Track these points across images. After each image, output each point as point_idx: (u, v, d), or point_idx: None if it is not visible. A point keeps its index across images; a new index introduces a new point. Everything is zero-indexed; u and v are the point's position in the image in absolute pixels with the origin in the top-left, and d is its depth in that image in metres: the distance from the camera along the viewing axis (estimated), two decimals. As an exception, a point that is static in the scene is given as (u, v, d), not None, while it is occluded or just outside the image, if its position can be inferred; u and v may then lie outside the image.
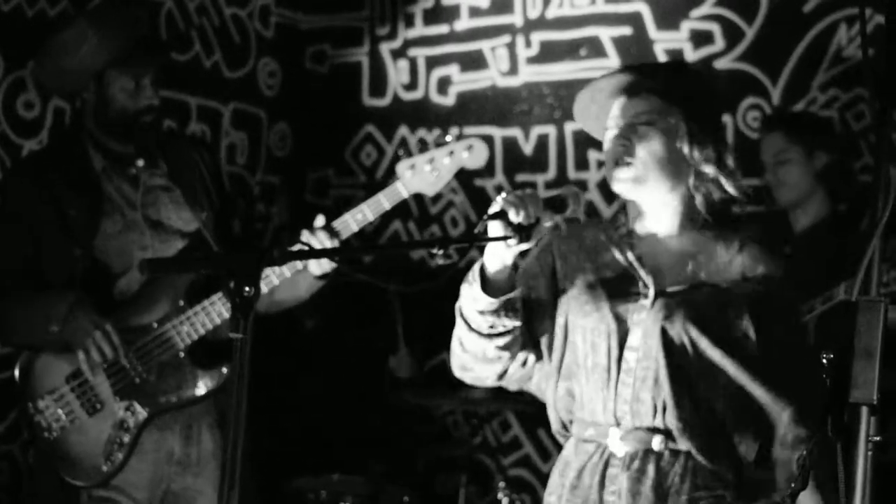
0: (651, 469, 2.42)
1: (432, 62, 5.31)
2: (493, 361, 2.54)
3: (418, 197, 5.28)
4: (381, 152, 5.44)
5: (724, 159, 2.50)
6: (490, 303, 2.43)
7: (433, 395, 4.73)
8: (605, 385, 2.47)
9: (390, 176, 5.37)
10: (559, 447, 2.64)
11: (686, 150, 2.48)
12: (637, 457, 2.44)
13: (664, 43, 4.79)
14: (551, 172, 5.04)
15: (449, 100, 5.28)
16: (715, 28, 4.68)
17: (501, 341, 2.49)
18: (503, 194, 2.37)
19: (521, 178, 5.10)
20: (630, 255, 2.54)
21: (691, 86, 2.57)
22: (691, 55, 4.72)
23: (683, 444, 2.40)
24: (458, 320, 2.52)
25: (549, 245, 2.63)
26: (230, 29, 5.25)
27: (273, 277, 3.33)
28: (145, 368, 3.41)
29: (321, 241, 3.24)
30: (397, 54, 5.40)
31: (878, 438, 1.84)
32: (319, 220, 3.30)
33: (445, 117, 5.28)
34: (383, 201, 3.34)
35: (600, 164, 4.91)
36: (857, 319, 1.82)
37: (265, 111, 5.43)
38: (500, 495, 4.37)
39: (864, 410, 1.84)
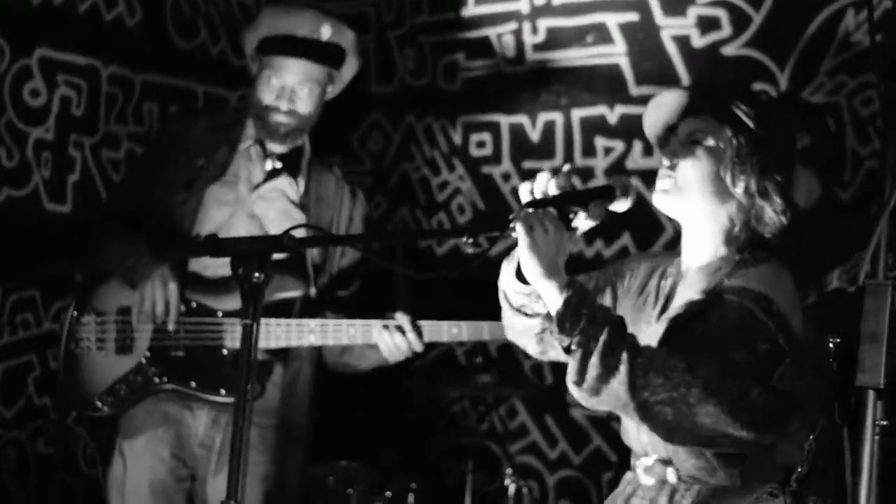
0: (664, 502, 2.42)
1: (439, 49, 5.31)
2: (522, 334, 2.57)
3: (425, 184, 5.31)
4: (388, 139, 5.44)
5: (769, 191, 2.43)
6: (522, 288, 2.45)
7: (440, 383, 4.74)
8: None
9: (398, 164, 5.39)
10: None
11: (728, 177, 2.44)
12: (655, 488, 2.45)
13: (671, 29, 4.78)
14: (558, 159, 5.03)
15: (456, 86, 5.28)
16: (722, 14, 4.67)
17: (531, 322, 2.52)
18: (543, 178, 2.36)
19: (527, 164, 5.10)
20: (662, 284, 2.56)
21: (749, 112, 2.48)
22: (698, 41, 4.71)
23: (688, 473, 2.40)
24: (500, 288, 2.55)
25: (614, 266, 2.68)
26: (236, 16, 5.24)
27: (343, 337, 3.40)
28: (185, 343, 3.43)
29: (413, 342, 3.37)
30: (404, 41, 5.40)
31: (885, 422, 1.84)
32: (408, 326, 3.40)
33: (452, 104, 5.28)
34: (484, 332, 3.40)
35: (607, 151, 4.91)
36: (864, 303, 1.82)
37: (272, 98, 5.43)
38: (507, 482, 4.38)
39: (871, 394, 1.84)
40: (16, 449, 4.44)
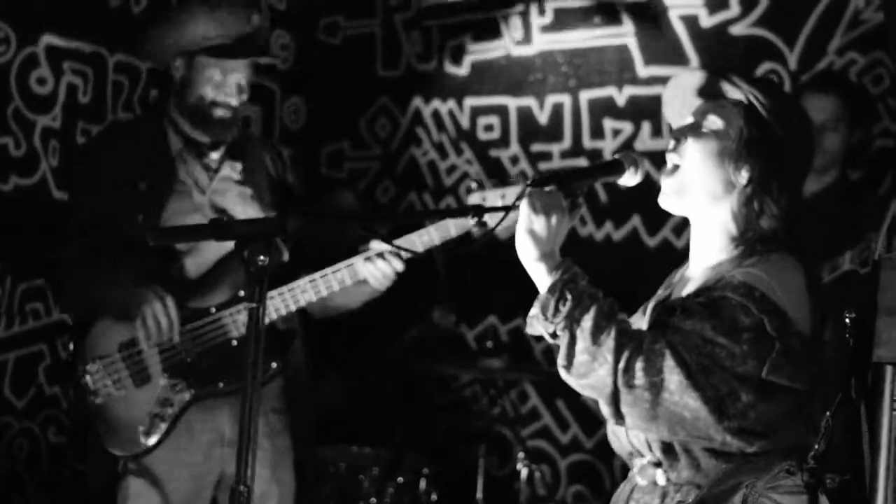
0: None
1: (446, 32, 5.29)
2: None
3: (433, 168, 5.30)
4: (395, 124, 5.42)
5: (772, 186, 2.36)
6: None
7: (452, 366, 4.73)
8: None
9: (406, 148, 5.38)
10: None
11: (731, 163, 2.36)
12: (647, 491, 2.40)
13: (679, 9, 4.74)
14: (566, 142, 5.01)
15: (463, 70, 5.26)
16: (730, -8, 4.65)
17: None
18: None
19: (536, 147, 5.08)
20: (666, 284, 2.53)
21: (766, 103, 2.39)
22: (707, 21, 4.68)
23: (676, 475, 2.35)
24: None
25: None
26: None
27: (334, 284, 3.39)
28: (196, 350, 3.43)
29: (394, 263, 3.36)
30: (410, 24, 5.38)
31: (902, 397, 1.82)
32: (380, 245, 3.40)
33: (460, 87, 5.25)
34: (451, 229, 3.38)
35: (616, 133, 4.89)
36: (881, 277, 1.80)
37: (278, 84, 5.42)
38: (519, 466, 4.37)
39: (889, 369, 1.82)
40: (27, 438, 4.44)
